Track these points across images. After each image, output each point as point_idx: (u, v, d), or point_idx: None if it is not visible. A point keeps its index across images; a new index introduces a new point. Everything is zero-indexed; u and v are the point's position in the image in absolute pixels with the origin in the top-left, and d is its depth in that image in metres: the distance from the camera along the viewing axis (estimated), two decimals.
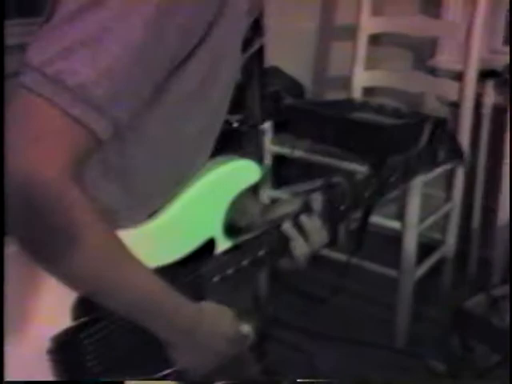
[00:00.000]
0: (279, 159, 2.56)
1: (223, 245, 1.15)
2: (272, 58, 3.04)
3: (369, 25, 2.76)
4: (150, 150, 1.06)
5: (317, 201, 1.22)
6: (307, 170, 2.64)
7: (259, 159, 1.23)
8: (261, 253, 1.17)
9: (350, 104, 2.63)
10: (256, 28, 1.23)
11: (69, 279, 0.97)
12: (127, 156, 1.04)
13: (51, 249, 0.92)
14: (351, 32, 2.81)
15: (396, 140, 2.34)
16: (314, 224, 1.21)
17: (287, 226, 1.20)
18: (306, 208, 1.21)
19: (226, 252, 1.15)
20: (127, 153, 1.03)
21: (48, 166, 0.89)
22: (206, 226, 1.13)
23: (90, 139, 0.92)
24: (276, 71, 3.07)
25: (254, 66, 1.33)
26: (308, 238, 1.21)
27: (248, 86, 1.34)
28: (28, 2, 2.96)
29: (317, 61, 3.23)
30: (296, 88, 3.10)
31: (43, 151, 0.89)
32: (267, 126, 2.52)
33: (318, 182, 2.56)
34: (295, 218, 1.20)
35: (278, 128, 2.56)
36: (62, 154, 0.90)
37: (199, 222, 1.12)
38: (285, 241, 1.19)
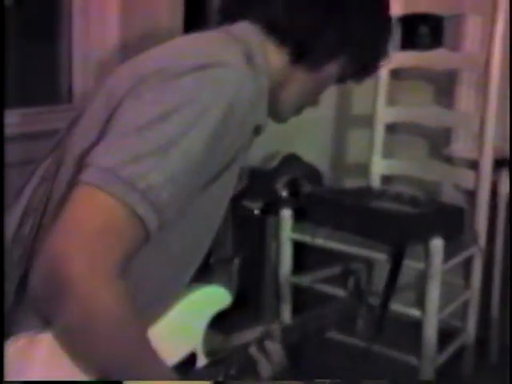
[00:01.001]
0: (299, 246, 2.60)
1: (202, 360, 1.28)
2: (290, 146, 3.14)
3: (385, 114, 2.83)
4: (163, 258, 1.16)
5: (277, 330, 1.37)
6: (327, 257, 2.67)
7: (231, 287, 1.34)
8: (232, 371, 1.30)
9: (368, 192, 2.69)
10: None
11: (96, 366, 1.01)
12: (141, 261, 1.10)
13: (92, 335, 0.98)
14: (367, 120, 2.88)
15: (414, 228, 2.38)
16: (276, 348, 1.35)
17: (253, 350, 1.33)
18: (269, 335, 1.37)
19: (206, 366, 1.27)
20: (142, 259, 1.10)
21: (106, 260, 0.97)
22: (187, 343, 1.26)
23: (143, 237, 1.02)
24: (294, 158, 3.15)
25: None
26: (271, 360, 1.34)
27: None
28: (28, 92, 3.08)
29: (334, 148, 3.30)
30: (314, 175, 3.16)
31: (104, 244, 0.97)
32: (287, 213, 2.57)
33: (338, 269, 2.61)
34: (260, 343, 1.34)
35: (298, 215, 2.61)
36: (120, 249, 0.99)
37: (181, 339, 1.25)
38: (252, 362, 1.33)
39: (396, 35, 2.87)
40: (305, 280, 2.56)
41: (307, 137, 3.21)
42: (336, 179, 3.25)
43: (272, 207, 2.78)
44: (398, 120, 2.86)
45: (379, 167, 2.84)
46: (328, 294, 2.48)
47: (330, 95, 3.16)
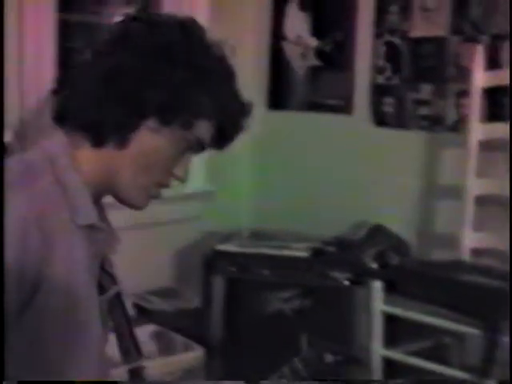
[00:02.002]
0: (390, 318, 2.58)
1: None
2: (376, 216, 3.14)
3: (475, 186, 2.82)
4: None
5: None
6: (418, 330, 2.64)
7: None
8: None
9: (458, 265, 2.67)
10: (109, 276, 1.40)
11: None
12: None
13: None
14: (455, 190, 2.87)
15: (505, 303, 2.35)
16: None
17: None
18: None
19: None
20: None
21: None
22: None
23: None
24: (381, 229, 3.15)
25: (117, 309, 1.44)
26: None
27: (119, 328, 1.44)
28: None
29: (421, 219, 3.28)
30: (401, 246, 3.15)
31: None
32: (378, 285, 2.57)
33: (428, 342, 2.58)
34: None
35: (388, 287, 2.60)
36: None
37: None
38: None
39: (482, 107, 2.87)
40: (396, 353, 2.54)
41: (393, 207, 3.21)
42: (423, 251, 3.23)
43: (361, 278, 2.78)
44: (488, 192, 2.84)
45: (469, 240, 2.81)
46: (419, 367, 2.45)
47: (415, 164, 3.22)
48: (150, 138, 1.26)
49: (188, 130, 1.27)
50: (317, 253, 2.95)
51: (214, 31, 3.66)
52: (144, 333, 2.85)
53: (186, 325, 2.97)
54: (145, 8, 1.35)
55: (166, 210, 3.40)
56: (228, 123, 1.31)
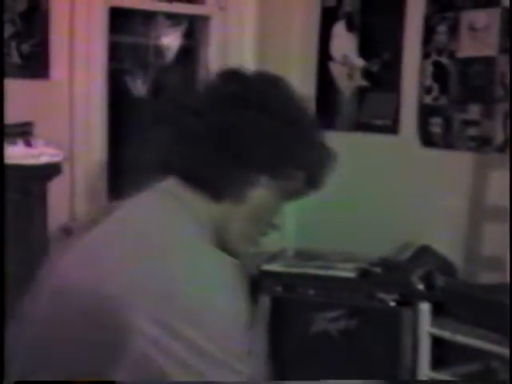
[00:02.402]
0: (437, 340, 2.56)
1: None
2: (422, 236, 3.12)
3: None
4: None
5: None
6: (465, 353, 2.61)
7: None
8: None
9: (505, 288, 2.63)
10: None
11: None
12: None
13: None
14: (503, 211, 2.84)
15: None
16: None
17: None
18: None
19: None
20: None
21: None
22: None
23: None
24: (428, 250, 3.12)
25: None
26: None
27: None
28: None
29: (468, 240, 3.25)
30: (448, 268, 3.12)
31: None
32: (425, 306, 2.55)
33: (476, 365, 2.54)
34: None
35: (435, 309, 2.58)
36: None
37: None
38: None
39: None
40: (443, 376, 2.51)
41: (440, 227, 3.18)
42: (469, 272, 3.19)
43: (408, 299, 2.76)
44: None
45: None
46: None
47: (462, 185, 3.20)
48: (262, 193, 1.32)
49: (290, 182, 1.34)
50: (363, 273, 2.93)
51: (261, 52, 3.67)
52: None
53: None
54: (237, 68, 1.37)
55: None
56: (317, 172, 1.38)
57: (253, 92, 1.31)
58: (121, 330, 1.09)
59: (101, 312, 1.12)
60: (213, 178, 1.29)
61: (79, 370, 1.13)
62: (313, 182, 1.39)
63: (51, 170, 2.63)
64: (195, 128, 1.29)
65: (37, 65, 2.83)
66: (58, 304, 1.19)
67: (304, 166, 1.34)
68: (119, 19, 3.29)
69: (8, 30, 2.77)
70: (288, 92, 1.35)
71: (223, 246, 1.32)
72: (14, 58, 2.78)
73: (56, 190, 2.76)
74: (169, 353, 1.07)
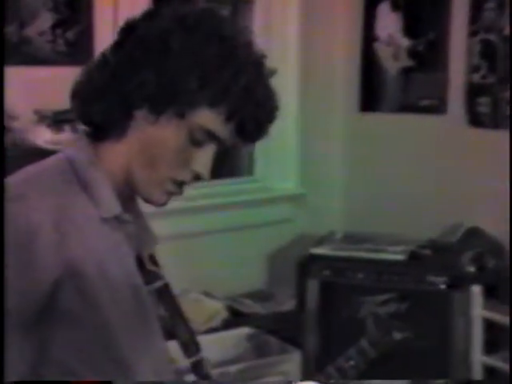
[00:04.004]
0: (489, 323, 2.53)
1: None
2: (472, 219, 3.07)
3: None
4: None
5: None
6: None
7: None
8: None
9: None
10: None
11: None
12: None
13: None
14: None
15: None
16: None
17: None
18: None
19: None
20: None
21: None
22: None
23: None
24: (478, 232, 3.08)
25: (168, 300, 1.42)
26: None
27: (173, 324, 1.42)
28: None
29: None
30: (498, 250, 3.07)
31: None
32: (477, 289, 2.51)
33: None
34: None
35: (487, 291, 2.55)
36: None
37: None
38: None
39: None
40: (496, 360, 2.48)
41: (488, 208, 3.13)
42: None
43: (458, 282, 2.72)
44: None
45: None
46: None
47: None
48: (146, 129, 1.25)
49: (184, 120, 1.24)
50: (412, 256, 2.90)
51: (305, 33, 3.64)
52: (239, 335, 2.86)
53: (280, 328, 2.97)
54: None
55: (257, 213, 3.42)
56: (242, 113, 1.24)
57: (150, 27, 1.25)
58: None
59: None
60: (92, 113, 1.26)
61: None
62: (241, 127, 1.26)
63: None
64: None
65: (82, 52, 2.84)
66: None
67: (202, 104, 1.23)
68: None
69: (52, 18, 2.78)
70: (201, 26, 1.23)
71: (137, 193, 1.30)
72: (60, 45, 2.79)
73: None
74: None
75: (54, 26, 2.79)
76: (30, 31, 2.73)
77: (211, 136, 1.25)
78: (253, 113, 1.25)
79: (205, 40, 1.23)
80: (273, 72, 1.30)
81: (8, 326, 1.16)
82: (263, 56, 1.29)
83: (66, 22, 2.81)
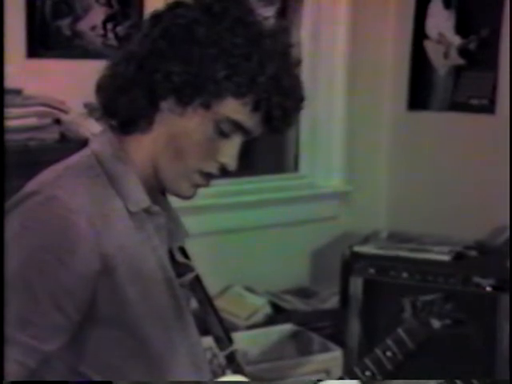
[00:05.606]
0: None
1: None
2: None
3: None
4: None
5: None
6: None
7: None
8: None
9: None
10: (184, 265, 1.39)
11: None
12: None
13: None
14: None
15: None
16: None
17: None
18: None
19: None
20: None
21: None
22: None
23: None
24: None
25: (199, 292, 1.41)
26: None
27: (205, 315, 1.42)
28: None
29: None
30: None
31: None
32: None
33: None
34: None
35: None
36: None
37: None
38: None
39: None
40: None
41: None
42: None
43: (504, 284, 2.68)
44: None
45: None
46: None
47: None
48: (173, 121, 1.24)
49: (211, 111, 1.23)
50: (458, 257, 2.87)
51: (354, 30, 3.63)
52: (282, 332, 2.87)
53: (323, 325, 2.97)
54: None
55: (302, 210, 3.42)
56: (268, 102, 1.23)
57: (176, 17, 1.25)
58: None
59: None
60: (120, 106, 1.26)
61: None
62: (266, 118, 1.25)
63: None
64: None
65: None
66: None
67: (228, 95, 1.22)
68: None
69: (104, 13, 2.82)
70: (229, 16, 1.22)
71: (164, 186, 1.30)
72: (111, 40, 2.82)
73: None
74: None
75: (106, 21, 2.82)
76: (83, 25, 2.77)
77: (238, 126, 1.25)
78: (280, 103, 1.23)
79: (230, 28, 1.22)
80: (299, 62, 1.29)
81: (61, 329, 1.18)
82: (290, 45, 1.28)
83: (117, 17, 2.84)
